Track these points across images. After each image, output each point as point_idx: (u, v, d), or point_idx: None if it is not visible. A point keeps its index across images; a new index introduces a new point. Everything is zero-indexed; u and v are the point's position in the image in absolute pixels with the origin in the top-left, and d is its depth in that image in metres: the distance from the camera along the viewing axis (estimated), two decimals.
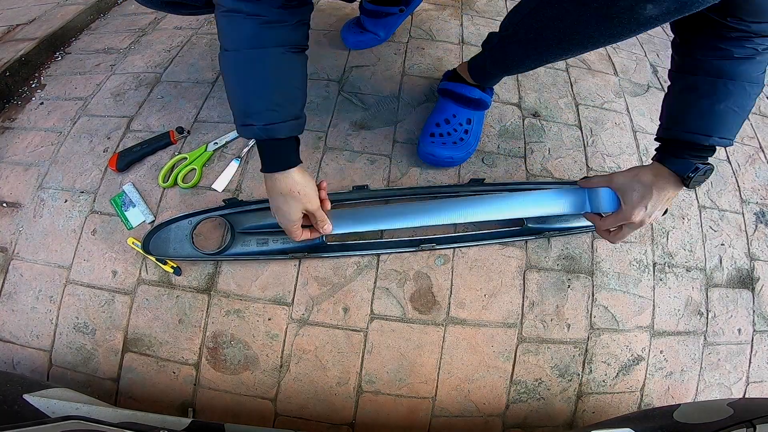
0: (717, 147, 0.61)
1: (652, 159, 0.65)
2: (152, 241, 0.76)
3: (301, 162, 0.64)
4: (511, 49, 0.69)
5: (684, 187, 0.62)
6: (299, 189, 0.63)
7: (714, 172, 0.62)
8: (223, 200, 0.80)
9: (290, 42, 0.58)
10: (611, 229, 0.70)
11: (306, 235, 0.70)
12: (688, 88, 0.60)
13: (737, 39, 0.54)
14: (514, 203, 0.72)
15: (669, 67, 0.64)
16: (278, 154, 0.61)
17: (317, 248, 0.77)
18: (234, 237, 0.77)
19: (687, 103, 0.60)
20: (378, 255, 0.80)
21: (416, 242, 0.79)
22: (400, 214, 0.73)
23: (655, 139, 0.66)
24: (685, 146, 0.60)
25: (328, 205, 0.70)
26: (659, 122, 0.66)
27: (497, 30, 0.72)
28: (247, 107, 0.58)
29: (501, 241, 0.81)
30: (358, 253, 0.79)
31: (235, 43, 0.56)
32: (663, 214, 0.68)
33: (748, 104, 0.59)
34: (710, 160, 0.62)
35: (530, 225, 0.80)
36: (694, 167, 0.60)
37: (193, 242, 0.76)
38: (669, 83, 0.65)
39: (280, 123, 0.58)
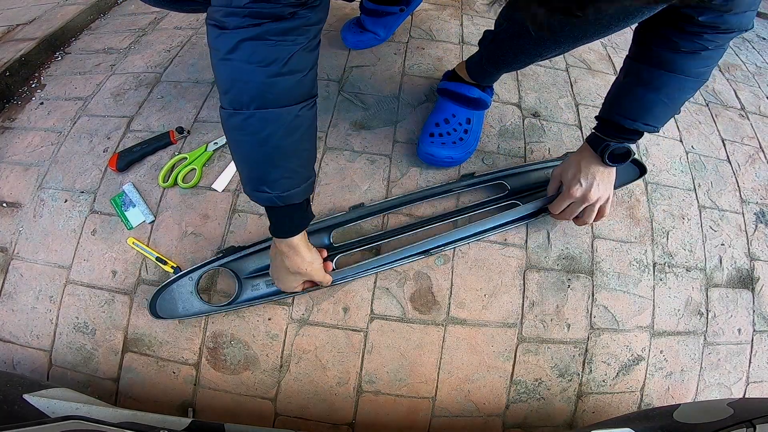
0: (642, 132, 0.65)
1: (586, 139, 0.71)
2: (158, 304, 0.73)
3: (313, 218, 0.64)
4: (506, 45, 0.69)
5: (605, 164, 0.68)
6: (306, 267, 0.65)
7: (632, 155, 0.68)
8: (220, 251, 0.76)
9: (303, 95, 0.50)
10: (562, 212, 0.75)
11: (307, 285, 0.72)
12: (630, 74, 0.64)
13: (690, 33, 0.55)
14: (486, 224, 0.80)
15: (654, 43, 0.63)
16: (292, 218, 0.59)
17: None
18: (241, 283, 0.75)
19: (624, 89, 0.64)
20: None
21: (426, 251, 0.77)
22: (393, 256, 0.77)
23: (595, 118, 0.70)
24: (612, 127, 0.66)
25: (330, 266, 0.73)
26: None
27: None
28: (262, 175, 0.53)
29: (498, 219, 0.80)
30: (372, 271, 0.77)
31: (242, 98, 0.47)
32: (615, 189, 0.74)
33: (681, 97, 0.63)
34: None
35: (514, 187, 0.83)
36: (605, 145, 0.66)
37: (200, 297, 0.75)
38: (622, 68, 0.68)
39: (296, 189, 0.55)
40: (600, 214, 0.73)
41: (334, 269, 0.74)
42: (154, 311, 0.73)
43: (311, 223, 0.64)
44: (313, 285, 0.73)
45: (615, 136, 0.66)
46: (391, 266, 0.78)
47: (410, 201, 0.83)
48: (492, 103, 0.90)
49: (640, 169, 0.87)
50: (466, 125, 0.86)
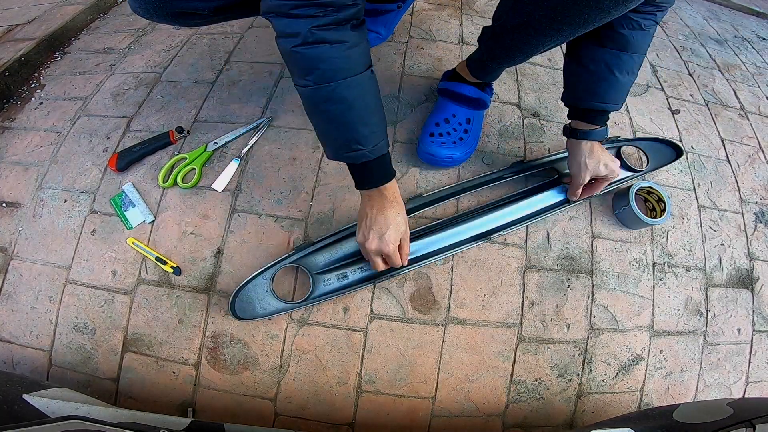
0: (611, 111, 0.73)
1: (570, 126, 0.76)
2: (237, 306, 0.74)
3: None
4: (507, 38, 0.69)
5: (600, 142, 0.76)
6: (403, 214, 0.67)
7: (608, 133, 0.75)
8: (294, 247, 0.78)
9: (369, 62, 0.58)
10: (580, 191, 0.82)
11: (384, 266, 0.71)
12: (597, 61, 0.67)
13: (647, 12, 0.62)
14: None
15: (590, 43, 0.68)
16: (386, 166, 0.64)
17: (396, 267, 0.77)
18: (314, 279, 0.76)
19: (597, 77, 0.68)
20: (453, 254, 0.81)
21: (485, 234, 0.81)
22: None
23: (567, 105, 0.76)
24: (593, 112, 0.72)
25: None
26: (566, 89, 0.76)
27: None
28: (355, 134, 0.59)
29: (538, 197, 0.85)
30: (434, 259, 0.79)
31: (326, 75, 0.54)
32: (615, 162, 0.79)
33: (637, 73, 0.70)
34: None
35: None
36: (595, 132, 0.73)
37: (276, 296, 0.75)
38: (573, 52, 0.71)
39: (381, 142, 0.61)
40: (606, 182, 0.80)
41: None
42: (235, 313, 0.73)
43: None
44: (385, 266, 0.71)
45: (591, 120, 0.73)
46: (454, 251, 0.80)
47: (463, 190, 0.85)
48: (492, 103, 0.90)
49: (677, 152, 0.92)
50: (466, 125, 0.86)
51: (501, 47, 0.72)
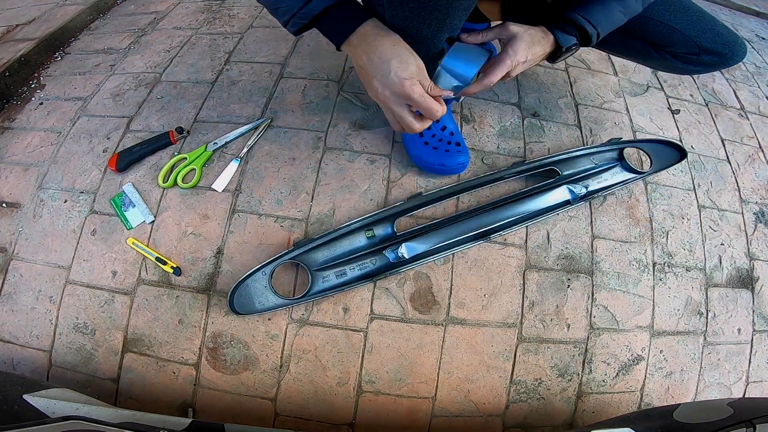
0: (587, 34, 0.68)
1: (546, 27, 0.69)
2: (235, 301, 0.74)
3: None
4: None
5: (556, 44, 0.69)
6: (399, 44, 0.53)
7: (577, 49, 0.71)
8: (293, 243, 0.78)
9: None
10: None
11: (421, 123, 0.58)
12: None
13: None
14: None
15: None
16: (353, 8, 0.54)
17: (396, 264, 0.77)
18: (313, 276, 0.76)
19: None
20: (453, 254, 0.81)
21: (484, 233, 0.81)
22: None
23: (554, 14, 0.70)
24: (572, 25, 0.67)
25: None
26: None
27: None
28: None
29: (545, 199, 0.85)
30: (434, 258, 0.79)
31: None
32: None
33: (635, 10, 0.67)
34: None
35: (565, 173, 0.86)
36: (572, 45, 0.68)
37: (275, 291, 0.75)
38: None
39: None
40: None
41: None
42: (233, 307, 0.74)
43: (376, 211, 0.72)
44: (424, 123, 0.59)
45: (571, 38, 0.67)
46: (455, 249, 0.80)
47: (463, 189, 0.84)
48: (492, 103, 0.90)
49: (681, 153, 0.92)
50: (440, 132, 0.84)
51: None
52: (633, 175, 0.90)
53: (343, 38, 0.55)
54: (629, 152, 0.94)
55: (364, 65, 0.55)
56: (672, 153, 0.93)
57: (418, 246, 0.78)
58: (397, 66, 0.53)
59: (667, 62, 0.77)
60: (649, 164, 0.92)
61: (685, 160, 0.93)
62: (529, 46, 0.65)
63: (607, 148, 0.90)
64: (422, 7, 0.51)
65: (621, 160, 0.90)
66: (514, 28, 0.67)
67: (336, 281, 0.76)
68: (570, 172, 0.87)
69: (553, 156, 0.89)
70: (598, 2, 0.67)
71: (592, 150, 0.89)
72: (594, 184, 0.87)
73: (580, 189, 0.84)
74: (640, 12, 0.69)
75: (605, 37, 0.70)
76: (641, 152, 0.94)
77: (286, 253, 0.76)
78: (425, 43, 0.59)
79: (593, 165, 0.88)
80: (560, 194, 0.85)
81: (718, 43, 0.69)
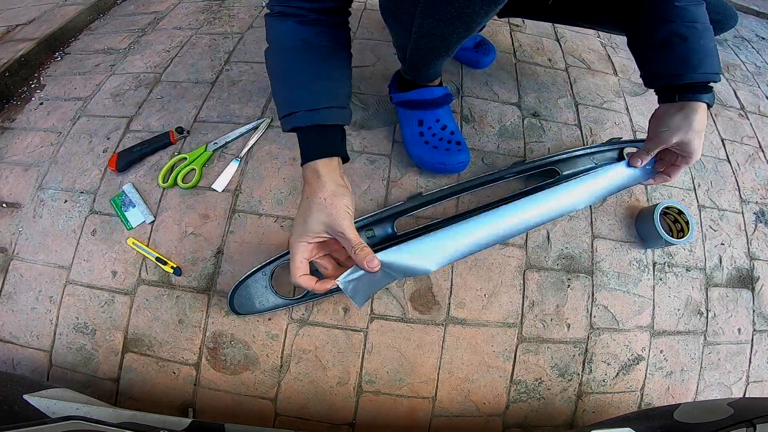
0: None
1: (668, 102, 0.69)
2: (236, 301, 0.74)
3: (348, 158, 0.59)
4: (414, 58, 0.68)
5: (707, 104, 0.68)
6: (327, 194, 0.52)
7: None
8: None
9: (332, 38, 0.59)
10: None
11: (310, 284, 0.55)
12: (673, 35, 0.65)
13: None
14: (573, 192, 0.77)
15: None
16: (321, 139, 0.56)
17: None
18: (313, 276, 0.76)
19: (688, 48, 0.64)
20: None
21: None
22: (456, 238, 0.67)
23: (662, 88, 0.70)
24: (700, 86, 0.66)
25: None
26: (651, 71, 0.70)
27: None
28: (291, 97, 0.58)
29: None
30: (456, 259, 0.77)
31: (278, 40, 0.59)
32: None
33: (707, 36, 0.66)
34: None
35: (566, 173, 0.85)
36: (712, 94, 0.67)
37: (275, 292, 0.75)
38: (633, 35, 0.71)
39: (326, 109, 0.56)
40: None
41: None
42: (233, 308, 0.74)
43: (376, 211, 0.72)
44: (320, 287, 0.55)
45: (703, 90, 0.66)
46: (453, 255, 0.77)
47: (463, 190, 0.84)
48: (492, 103, 0.90)
49: None
50: (444, 124, 0.85)
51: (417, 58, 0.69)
52: None
53: (302, 161, 0.57)
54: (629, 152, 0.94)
55: (300, 202, 0.57)
56: None
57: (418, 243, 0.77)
58: (300, 226, 0.54)
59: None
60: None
61: None
62: (700, 136, 0.67)
63: (608, 147, 0.90)
64: (456, 17, 0.52)
65: (622, 161, 0.90)
66: (673, 136, 0.68)
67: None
68: (570, 171, 0.87)
69: (554, 156, 0.88)
70: (700, 53, 0.65)
71: (593, 150, 0.89)
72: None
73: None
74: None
75: (593, 12, 0.72)
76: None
77: (286, 253, 0.76)
78: (446, 48, 0.63)
79: (594, 165, 0.88)
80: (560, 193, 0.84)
81: (710, 11, 0.68)
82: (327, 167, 0.55)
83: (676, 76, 0.66)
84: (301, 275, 0.55)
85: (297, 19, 0.57)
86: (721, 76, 0.66)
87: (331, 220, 0.52)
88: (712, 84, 0.66)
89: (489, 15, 0.53)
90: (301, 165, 0.57)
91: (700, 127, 0.66)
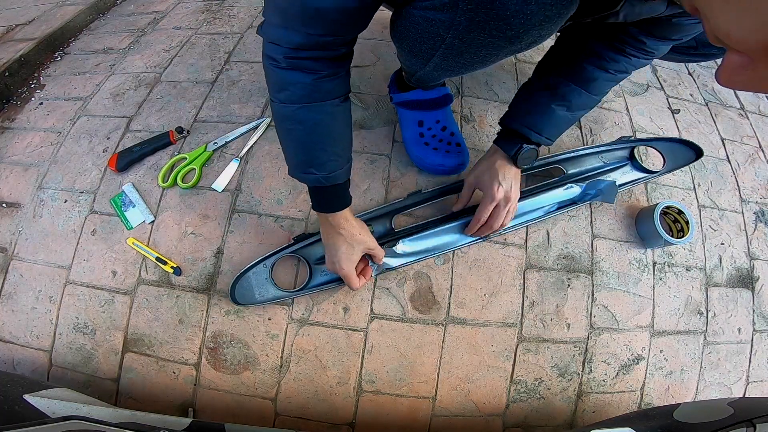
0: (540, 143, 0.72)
1: (493, 142, 0.75)
2: (237, 292, 0.75)
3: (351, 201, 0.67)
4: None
5: (517, 166, 0.73)
6: (360, 232, 0.68)
7: (537, 156, 0.73)
8: (293, 237, 0.78)
9: (341, 93, 0.59)
10: (486, 222, 0.76)
11: (362, 282, 0.72)
12: (550, 89, 0.68)
13: (620, 52, 0.62)
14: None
15: (588, 61, 0.66)
16: (337, 196, 0.65)
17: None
18: (312, 269, 0.77)
19: (541, 104, 0.68)
20: (453, 254, 0.81)
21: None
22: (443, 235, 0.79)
23: (499, 123, 0.75)
24: (519, 137, 0.71)
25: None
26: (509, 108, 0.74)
27: None
28: (310, 158, 0.60)
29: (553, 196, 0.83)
30: (434, 254, 0.79)
31: (293, 98, 0.56)
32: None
33: (581, 115, 0.72)
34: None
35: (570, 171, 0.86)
36: (518, 147, 0.71)
37: (275, 284, 0.76)
38: (535, 74, 0.71)
39: (339, 170, 0.61)
40: (510, 214, 0.76)
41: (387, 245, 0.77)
42: (234, 298, 0.75)
43: (374, 208, 0.78)
44: (363, 282, 0.73)
45: (519, 143, 0.71)
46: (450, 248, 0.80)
47: (462, 189, 0.83)
48: (492, 103, 0.90)
49: (697, 153, 0.92)
50: (444, 125, 0.85)
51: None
52: (645, 175, 0.89)
53: (318, 210, 0.66)
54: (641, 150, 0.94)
55: (324, 239, 0.70)
56: (687, 152, 0.93)
57: (418, 243, 0.78)
58: (341, 259, 0.68)
59: (666, 54, 0.77)
60: (662, 163, 0.92)
61: None
62: (496, 181, 0.73)
63: (618, 146, 0.89)
64: (475, 60, 0.52)
65: (632, 160, 0.90)
66: (471, 178, 0.76)
67: (334, 275, 0.76)
68: (576, 170, 0.86)
69: (560, 154, 0.88)
70: (539, 113, 0.69)
71: (601, 148, 0.89)
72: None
73: (587, 188, 0.83)
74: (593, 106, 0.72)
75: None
76: (644, 150, 0.94)
77: (287, 247, 0.77)
78: (458, 75, 0.66)
79: (602, 164, 0.88)
80: (561, 193, 0.84)
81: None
82: (350, 211, 0.67)
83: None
84: (360, 284, 0.72)
85: (311, 75, 0.54)
86: (552, 141, 0.72)
87: (366, 246, 0.70)
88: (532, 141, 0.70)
89: (508, 56, 0.53)
90: (315, 210, 0.67)
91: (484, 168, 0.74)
